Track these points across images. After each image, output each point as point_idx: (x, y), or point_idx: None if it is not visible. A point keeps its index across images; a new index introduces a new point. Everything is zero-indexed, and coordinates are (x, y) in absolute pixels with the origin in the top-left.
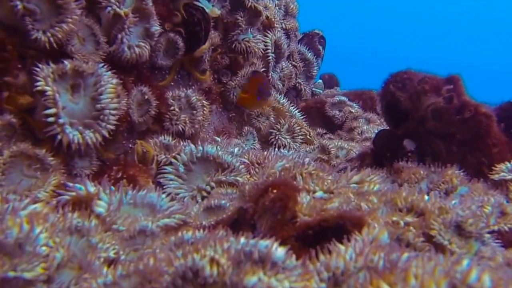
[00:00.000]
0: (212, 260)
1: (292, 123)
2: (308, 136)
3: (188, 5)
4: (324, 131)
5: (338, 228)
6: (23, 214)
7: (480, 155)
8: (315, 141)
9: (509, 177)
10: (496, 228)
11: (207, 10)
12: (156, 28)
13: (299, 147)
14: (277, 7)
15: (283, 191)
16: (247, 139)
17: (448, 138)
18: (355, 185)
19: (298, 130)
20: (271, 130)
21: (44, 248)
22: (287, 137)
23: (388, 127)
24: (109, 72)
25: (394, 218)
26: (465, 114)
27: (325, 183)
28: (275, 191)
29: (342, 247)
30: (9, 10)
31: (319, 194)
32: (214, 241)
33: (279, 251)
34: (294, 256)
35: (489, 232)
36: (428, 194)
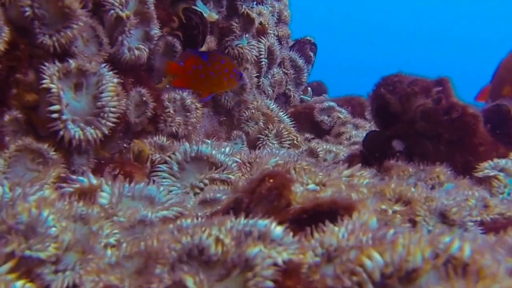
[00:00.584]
0: (218, 240)
1: (280, 128)
2: (295, 141)
3: (187, 9)
4: (312, 136)
5: (331, 213)
6: (32, 199)
7: (467, 154)
8: (302, 146)
9: (492, 173)
10: (479, 218)
11: (205, 15)
12: (156, 31)
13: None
14: (270, 14)
15: (279, 181)
16: (236, 143)
17: (436, 138)
18: (346, 178)
19: (286, 135)
20: (259, 136)
21: (54, 229)
22: (274, 142)
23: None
24: (111, 72)
25: (383, 207)
26: (452, 114)
27: (318, 177)
28: (271, 180)
29: (335, 227)
30: (20, 12)
31: (311, 186)
32: (217, 222)
33: (277, 229)
34: (291, 234)
35: (472, 221)
36: (415, 186)
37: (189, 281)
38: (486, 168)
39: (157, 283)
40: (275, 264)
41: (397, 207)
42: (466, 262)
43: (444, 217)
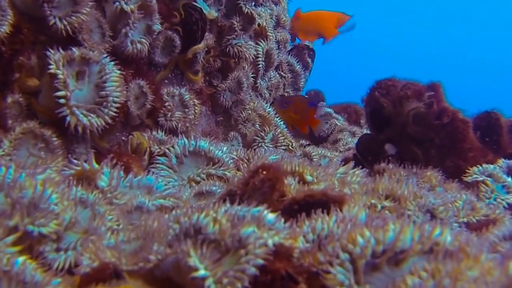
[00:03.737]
0: (215, 220)
1: (277, 133)
2: (290, 147)
3: (187, 5)
4: (308, 143)
5: (322, 204)
6: (40, 177)
7: (457, 159)
8: (297, 151)
9: (481, 178)
10: (465, 220)
11: (205, 12)
12: (158, 26)
13: None
14: (269, 16)
15: (272, 173)
16: (232, 145)
17: (428, 142)
18: (340, 175)
19: (282, 140)
20: (255, 137)
21: (55, 206)
22: (270, 146)
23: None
24: (112, 62)
25: (373, 201)
26: (443, 119)
27: (315, 172)
28: (265, 172)
29: (326, 216)
30: None
31: (309, 177)
32: (213, 206)
33: (270, 215)
34: (283, 220)
35: (457, 222)
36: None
37: (192, 251)
38: (474, 172)
39: (154, 255)
40: (266, 246)
41: (386, 203)
42: (448, 246)
43: (431, 216)
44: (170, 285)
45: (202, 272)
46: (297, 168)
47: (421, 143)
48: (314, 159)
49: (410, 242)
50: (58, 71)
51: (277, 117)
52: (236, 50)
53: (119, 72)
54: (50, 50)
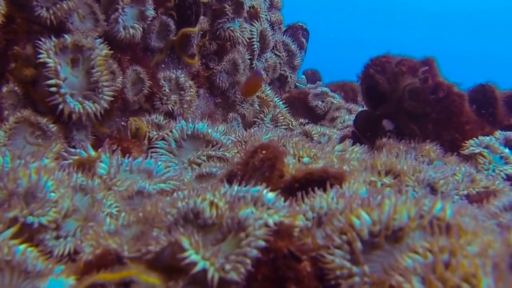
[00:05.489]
0: (212, 203)
1: (276, 113)
2: (290, 126)
3: None
4: (307, 121)
5: (322, 182)
6: (33, 166)
7: (454, 133)
8: (296, 129)
9: (477, 150)
10: (466, 192)
11: None
12: (150, 11)
13: None
14: None
15: (271, 152)
16: (232, 126)
17: (424, 116)
18: (338, 152)
19: (282, 120)
20: (255, 119)
21: (53, 194)
22: (270, 126)
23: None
24: (102, 45)
25: (373, 178)
26: (439, 94)
27: (312, 151)
28: (264, 152)
29: (324, 193)
30: None
31: (306, 159)
32: (212, 188)
33: (269, 194)
34: (282, 199)
35: (458, 195)
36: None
37: (185, 242)
38: (471, 145)
39: (155, 244)
40: (267, 225)
41: (386, 180)
42: (449, 221)
43: (432, 190)
44: (171, 269)
45: (201, 264)
46: (292, 151)
47: (418, 118)
48: (314, 137)
49: (407, 219)
50: (49, 60)
51: (276, 97)
52: (227, 34)
53: (104, 53)
54: (41, 38)
